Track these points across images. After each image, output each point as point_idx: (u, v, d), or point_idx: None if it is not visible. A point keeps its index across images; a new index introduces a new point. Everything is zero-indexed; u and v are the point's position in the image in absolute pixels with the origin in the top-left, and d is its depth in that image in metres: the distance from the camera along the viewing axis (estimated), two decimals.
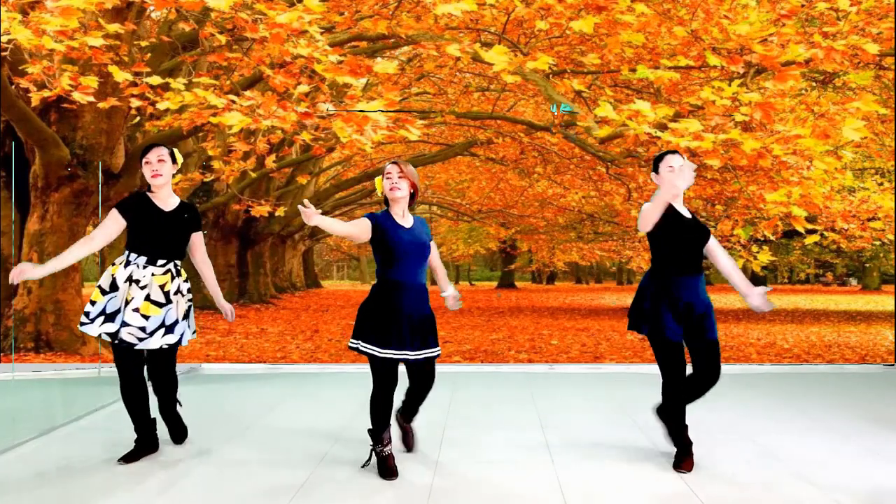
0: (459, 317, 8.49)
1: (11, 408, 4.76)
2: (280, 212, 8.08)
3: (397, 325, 3.33)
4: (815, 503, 3.10)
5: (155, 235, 3.58)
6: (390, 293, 3.38)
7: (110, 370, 6.26)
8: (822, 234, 7.46)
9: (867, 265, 8.95)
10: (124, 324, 3.50)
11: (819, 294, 8.91)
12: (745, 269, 9.06)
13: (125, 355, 3.59)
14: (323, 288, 9.29)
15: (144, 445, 3.73)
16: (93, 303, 3.54)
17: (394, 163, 3.50)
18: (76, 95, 6.35)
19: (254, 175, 7.80)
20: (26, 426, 4.27)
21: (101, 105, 6.51)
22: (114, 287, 3.54)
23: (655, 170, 3.52)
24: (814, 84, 7.32)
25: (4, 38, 6.19)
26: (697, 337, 3.48)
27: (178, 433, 3.96)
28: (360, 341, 3.37)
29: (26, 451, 3.85)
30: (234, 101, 6.42)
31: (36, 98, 6.43)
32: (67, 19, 6.07)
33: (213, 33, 6.48)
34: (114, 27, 6.34)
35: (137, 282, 3.53)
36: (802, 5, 6.94)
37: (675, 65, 6.89)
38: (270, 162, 7.30)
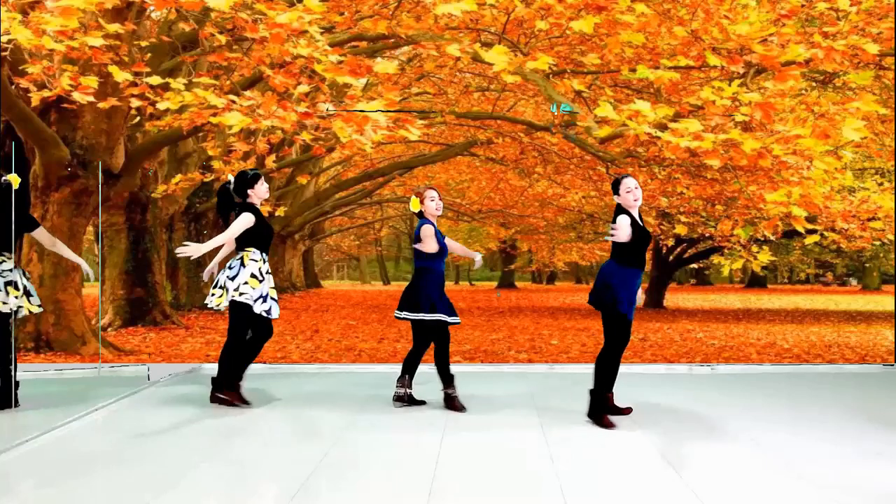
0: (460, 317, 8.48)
1: (11, 407, 4.76)
2: (280, 212, 8.09)
3: (443, 298, 4.77)
4: (814, 503, 3.10)
5: (269, 237, 4.94)
6: (439, 277, 4.81)
7: (110, 370, 6.26)
8: (822, 234, 7.46)
9: (867, 265, 8.95)
10: (275, 301, 4.87)
11: (819, 294, 8.91)
12: (745, 269, 9.06)
13: (269, 325, 4.90)
14: (323, 288, 9.29)
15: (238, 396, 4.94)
16: (253, 288, 4.74)
17: (433, 188, 4.89)
18: (76, 95, 6.35)
19: None
20: (26, 426, 4.27)
21: (101, 105, 6.51)
22: (261, 276, 4.79)
23: (616, 192, 4.44)
24: (814, 84, 7.32)
25: (4, 38, 6.18)
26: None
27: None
28: (425, 314, 4.71)
29: (26, 450, 3.85)
30: (234, 101, 6.42)
31: (36, 98, 6.43)
32: (67, 19, 6.07)
33: (213, 33, 6.48)
34: (114, 27, 6.34)
35: (269, 272, 4.87)
36: (802, 5, 6.94)
37: (675, 65, 6.89)
38: (270, 162, 7.30)
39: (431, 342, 4.85)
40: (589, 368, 6.26)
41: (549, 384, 5.71)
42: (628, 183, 4.37)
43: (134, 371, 6.19)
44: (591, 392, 4.44)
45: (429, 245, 4.77)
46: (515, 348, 7.61)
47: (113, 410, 4.78)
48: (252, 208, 4.83)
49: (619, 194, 4.41)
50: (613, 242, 4.40)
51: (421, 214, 4.87)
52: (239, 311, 4.79)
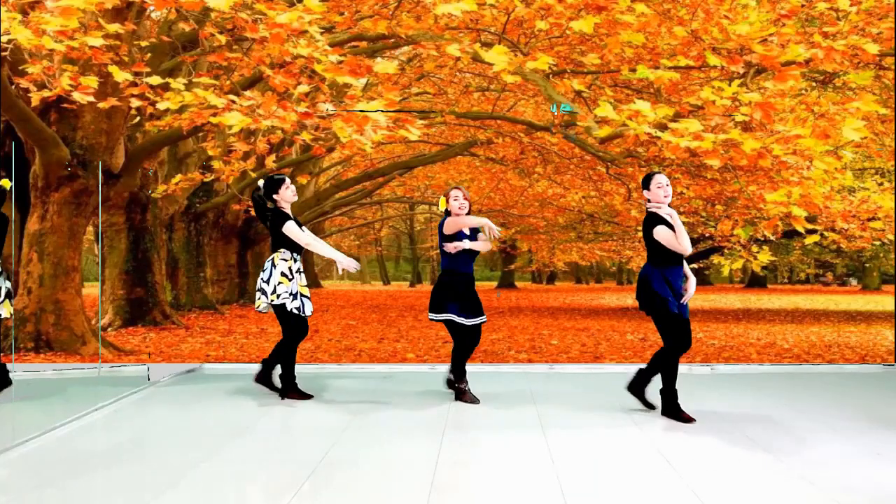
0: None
1: (11, 408, 4.76)
2: None
3: (459, 298, 4.89)
4: (814, 503, 3.10)
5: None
6: (461, 277, 4.96)
7: (110, 370, 6.26)
8: (822, 234, 7.46)
9: (867, 265, 8.94)
10: (307, 297, 5.05)
11: (819, 294, 8.90)
12: (745, 269, 9.06)
13: (303, 323, 5.04)
14: (323, 288, 9.29)
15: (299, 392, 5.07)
16: (286, 286, 4.90)
17: (458, 188, 5.09)
18: (76, 95, 6.35)
19: (254, 175, 7.80)
20: (26, 426, 4.27)
21: (101, 105, 6.51)
22: (291, 274, 4.94)
23: (647, 187, 4.54)
24: (814, 84, 7.32)
25: (4, 38, 6.19)
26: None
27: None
28: (443, 314, 4.88)
29: (26, 450, 3.85)
30: (234, 101, 6.42)
31: (36, 98, 6.43)
32: (67, 19, 6.07)
33: (213, 33, 6.48)
34: (114, 27, 6.34)
35: (300, 271, 5.02)
36: (802, 5, 6.94)
37: (675, 65, 6.89)
38: (270, 162, 7.30)
39: (466, 339, 5.00)
40: (589, 368, 6.27)
41: (549, 384, 5.71)
42: (660, 179, 4.51)
43: (134, 371, 6.18)
44: (661, 392, 4.57)
45: (467, 221, 4.95)
46: (515, 348, 7.61)
47: (113, 410, 4.78)
48: (285, 213, 5.04)
49: (649, 189, 4.53)
50: (647, 244, 4.54)
51: (448, 213, 5.13)
52: (283, 311, 4.97)
